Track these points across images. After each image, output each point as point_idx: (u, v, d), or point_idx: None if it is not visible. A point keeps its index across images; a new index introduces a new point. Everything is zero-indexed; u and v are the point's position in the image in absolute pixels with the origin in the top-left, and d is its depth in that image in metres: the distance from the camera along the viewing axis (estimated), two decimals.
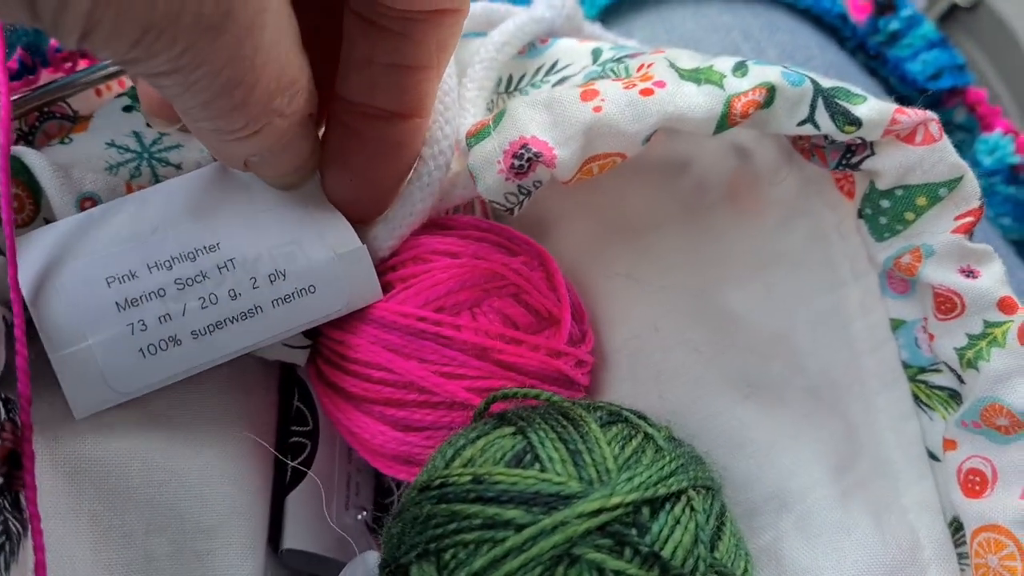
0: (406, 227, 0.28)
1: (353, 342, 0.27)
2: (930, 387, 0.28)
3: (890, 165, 0.27)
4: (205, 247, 0.25)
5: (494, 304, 0.28)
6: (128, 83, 0.32)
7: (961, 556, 0.27)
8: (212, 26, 0.18)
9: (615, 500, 0.22)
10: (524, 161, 0.26)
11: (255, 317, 0.26)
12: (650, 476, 0.23)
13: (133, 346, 0.24)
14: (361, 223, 0.27)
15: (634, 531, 0.22)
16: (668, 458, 0.24)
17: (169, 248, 0.25)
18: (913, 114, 0.26)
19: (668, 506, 0.23)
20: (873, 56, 0.46)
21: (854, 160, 0.27)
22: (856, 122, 0.26)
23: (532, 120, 0.26)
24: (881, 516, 0.28)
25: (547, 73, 0.31)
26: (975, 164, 0.48)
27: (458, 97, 0.29)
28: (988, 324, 0.26)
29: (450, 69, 0.29)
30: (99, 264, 0.24)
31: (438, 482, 0.24)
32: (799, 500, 0.28)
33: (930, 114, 0.26)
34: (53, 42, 0.31)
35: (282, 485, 0.31)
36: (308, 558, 0.31)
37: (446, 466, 0.25)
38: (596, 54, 0.30)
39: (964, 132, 0.48)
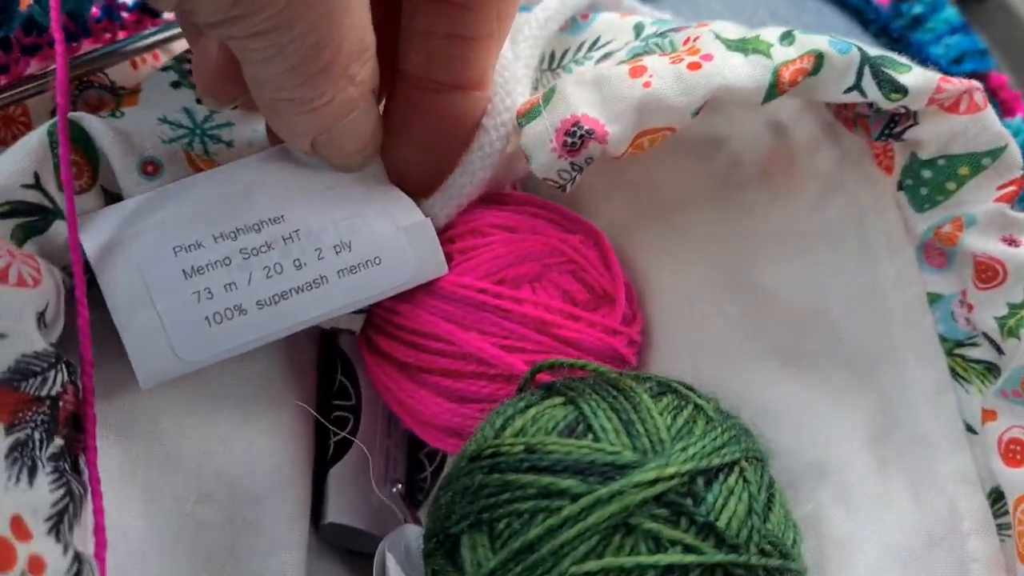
0: (464, 197, 0.28)
1: (410, 312, 0.28)
2: (967, 360, 0.29)
3: (933, 134, 0.27)
4: (270, 219, 0.25)
5: (554, 279, 0.28)
6: (163, 58, 0.32)
7: (1001, 527, 0.27)
8: None
9: (671, 470, 0.23)
10: (577, 138, 0.26)
11: (320, 288, 0.25)
12: (704, 447, 0.24)
13: (199, 314, 0.24)
14: (421, 195, 0.28)
15: (690, 501, 0.23)
16: (720, 429, 0.24)
17: (235, 220, 0.25)
18: (958, 83, 0.26)
19: (722, 477, 0.24)
20: (896, 39, 0.46)
21: (897, 130, 0.28)
22: (902, 89, 0.26)
23: (582, 98, 0.26)
24: (919, 487, 0.28)
25: (590, 49, 0.31)
26: None
27: (508, 75, 0.29)
28: None
29: (507, 43, 0.28)
30: (166, 234, 0.25)
31: (489, 451, 0.24)
32: (837, 471, 0.29)
33: (975, 83, 0.27)
34: (94, 11, 0.30)
35: (323, 460, 0.31)
36: (347, 532, 0.31)
37: (496, 436, 0.25)
38: (638, 29, 0.31)
39: None
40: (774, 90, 0.26)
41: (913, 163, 0.28)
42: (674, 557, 0.22)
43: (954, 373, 0.29)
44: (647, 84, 0.26)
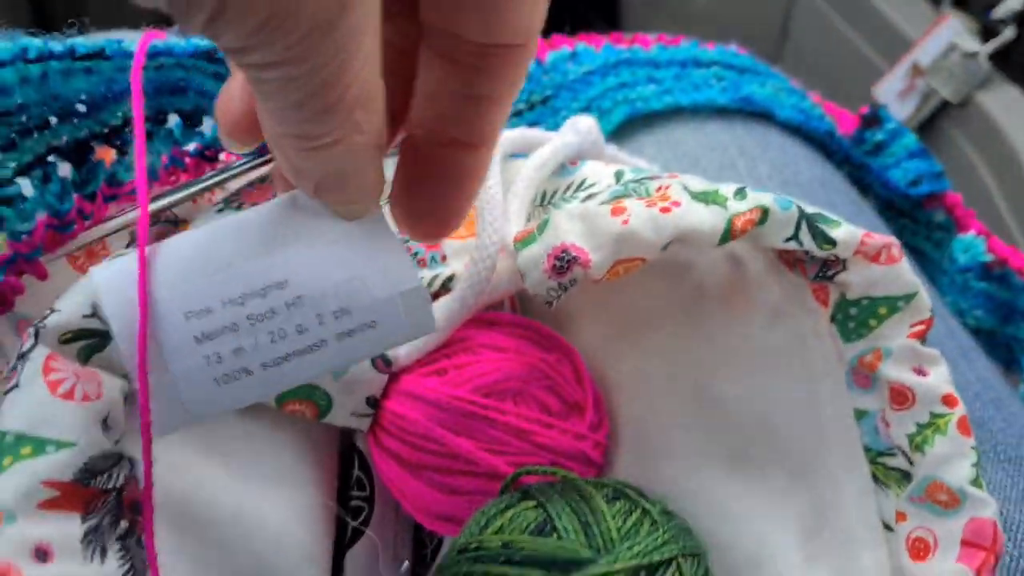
0: (458, 320, 0.34)
1: (412, 417, 0.33)
2: (887, 468, 0.33)
3: (858, 279, 0.32)
4: (275, 283, 0.27)
5: (533, 393, 0.33)
6: (219, 194, 0.38)
7: None
8: (329, 20, 0.20)
9: (619, 566, 0.28)
10: (564, 263, 0.31)
11: (320, 350, 0.27)
12: (647, 545, 0.29)
13: (209, 376, 0.27)
14: (429, 239, 0.30)
15: None
16: (662, 530, 0.30)
17: (241, 284, 0.27)
18: (878, 238, 0.32)
19: (662, 570, 0.28)
20: (857, 166, 0.51)
21: (829, 273, 0.33)
22: (832, 241, 0.31)
23: (571, 230, 0.32)
24: None
25: (576, 190, 0.37)
26: (952, 261, 0.52)
27: (504, 210, 0.35)
28: (933, 415, 0.31)
29: (497, 186, 0.35)
30: (178, 298, 0.26)
31: (474, 546, 0.30)
32: (770, 563, 0.33)
33: (893, 240, 0.32)
34: (164, 158, 0.37)
35: (341, 543, 0.36)
36: None
37: (480, 532, 0.30)
38: (619, 175, 0.36)
39: (943, 231, 0.54)
40: (728, 235, 0.31)
41: (842, 301, 0.33)
42: None
43: (876, 478, 0.33)
44: (625, 222, 0.31)
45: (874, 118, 0.52)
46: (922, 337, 0.32)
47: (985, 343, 0.51)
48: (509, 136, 0.38)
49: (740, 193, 0.32)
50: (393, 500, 0.37)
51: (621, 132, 0.47)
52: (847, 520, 0.33)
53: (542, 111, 0.49)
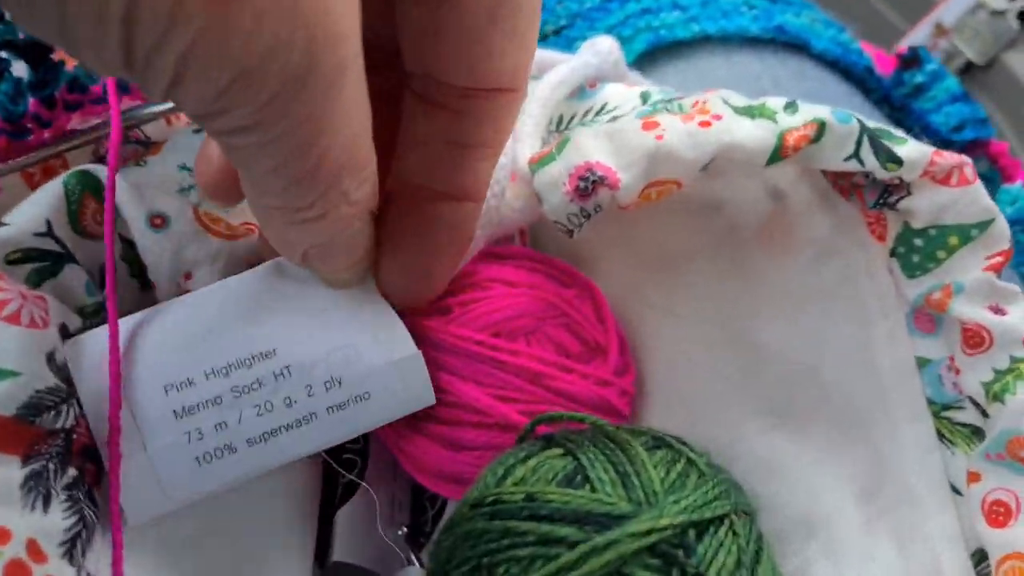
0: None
1: None
2: (953, 423, 0.30)
3: (925, 205, 0.29)
4: (262, 353, 0.25)
5: (548, 332, 0.30)
6: None
7: None
8: (298, 76, 0.18)
9: (664, 521, 0.24)
10: (589, 183, 0.28)
11: (309, 424, 0.26)
12: (695, 499, 0.25)
13: (189, 455, 0.25)
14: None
15: (681, 552, 0.24)
16: (711, 483, 0.26)
17: (226, 353, 0.25)
18: (950, 157, 0.28)
19: (712, 529, 0.25)
20: (898, 108, 0.47)
21: (891, 199, 0.29)
22: (898, 160, 0.28)
23: (596, 147, 0.28)
24: (905, 543, 0.29)
25: (597, 114, 0.33)
26: None
27: (515, 131, 0.31)
28: (1014, 359, 0.28)
29: None
30: (157, 370, 0.25)
31: (491, 499, 0.26)
32: (825, 526, 0.30)
33: (965, 158, 0.28)
34: None
35: (331, 501, 0.32)
36: (352, 571, 0.32)
37: (497, 484, 0.26)
38: (645, 96, 0.33)
39: (986, 182, 0.50)
40: (778, 154, 0.28)
41: (905, 232, 0.30)
42: None
43: (940, 435, 0.30)
44: (659, 137, 0.28)
45: (913, 58, 0.49)
46: (1000, 270, 0.29)
47: None
48: None
49: (791, 107, 0.29)
50: (390, 457, 0.33)
51: (643, 63, 0.43)
52: (909, 481, 0.30)
53: (555, 42, 0.45)
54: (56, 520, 0.23)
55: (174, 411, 0.25)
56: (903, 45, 0.76)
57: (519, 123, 0.32)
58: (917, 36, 0.76)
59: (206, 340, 0.25)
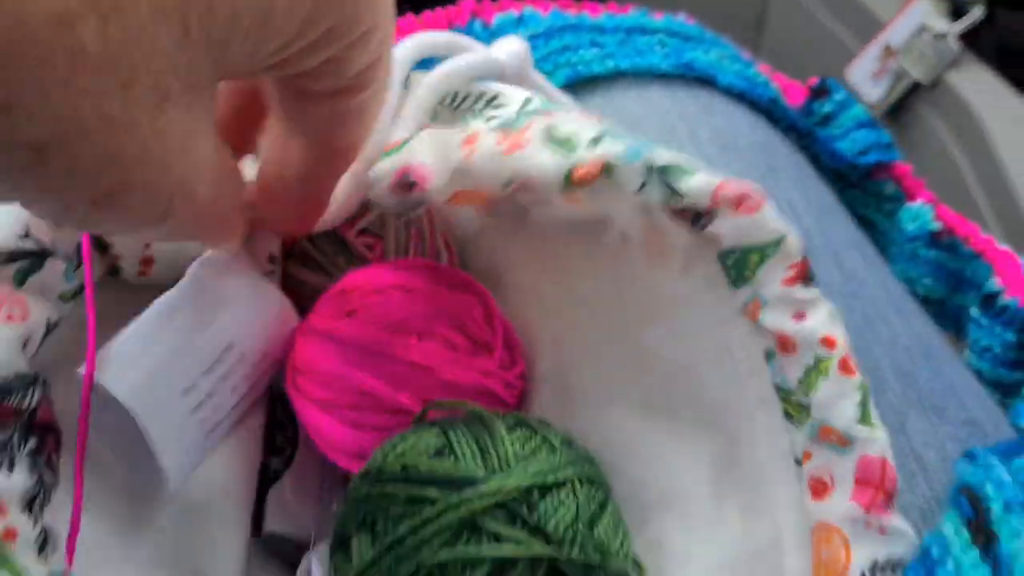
0: (344, 209, 0.36)
1: (320, 357, 0.34)
2: (799, 405, 0.33)
3: (725, 230, 0.32)
4: (226, 347, 0.33)
5: (438, 331, 0.35)
6: None
7: None
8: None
9: (511, 483, 0.29)
10: (407, 183, 0.33)
11: (256, 385, 0.36)
12: (541, 467, 0.30)
13: (202, 432, 0.34)
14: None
15: (525, 508, 0.29)
16: (560, 456, 0.31)
17: (209, 353, 0.33)
18: (735, 186, 0.31)
19: (555, 491, 0.30)
20: (804, 135, 0.52)
21: (701, 223, 0.33)
22: (681, 194, 0.31)
23: (424, 152, 0.33)
24: (750, 514, 0.33)
25: (487, 104, 0.37)
26: (900, 230, 0.54)
27: (395, 113, 0.36)
28: (818, 358, 0.31)
29: (393, 87, 0.36)
30: (174, 377, 0.32)
31: (375, 470, 0.31)
32: (681, 500, 0.34)
33: (751, 186, 0.31)
34: None
35: (265, 480, 0.38)
36: (285, 542, 0.38)
37: (383, 459, 0.31)
38: (526, 103, 0.36)
39: (893, 202, 0.55)
40: (569, 183, 0.31)
41: (719, 251, 0.33)
42: (507, 549, 0.28)
43: (789, 415, 0.33)
44: (468, 156, 0.32)
45: (822, 89, 0.53)
46: (798, 281, 0.32)
47: (935, 313, 0.52)
48: (434, 39, 0.38)
49: (596, 141, 0.32)
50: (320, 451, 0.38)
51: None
52: (759, 457, 0.33)
53: None
54: (18, 481, 0.29)
55: (191, 409, 0.33)
56: (855, 65, 0.81)
57: (404, 104, 0.36)
58: (868, 57, 0.81)
59: (195, 343, 0.32)
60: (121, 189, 0.21)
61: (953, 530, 0.32)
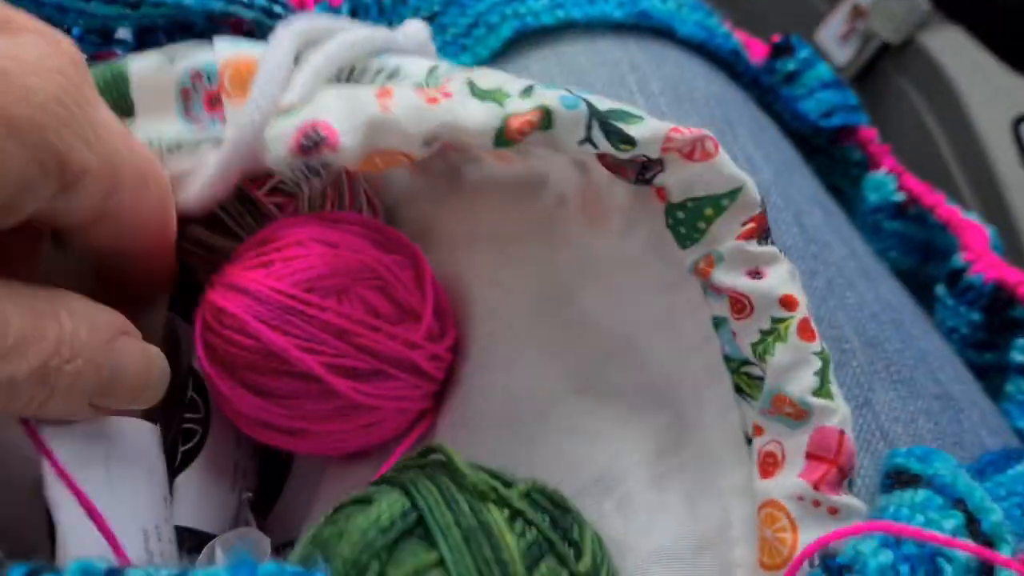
0: (220, 187, 0.33)
1: (231, 310, 0.31)
2: (751, 377, 0.32)
3: (676, 181, 0.30)
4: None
5: (360, 293, 0.32)
6: None
7: None
8: None
9: None
10: (311, 143, 0.29)
11: None
12: None
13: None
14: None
15: None
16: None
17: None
18: (688, 132, 0.30)
19: None
20: (766, 91, 0.50)
21: (648, 176, 0.31)
22: (630, 141, 0.29)
23: (330, 108, 0.30)
24: (696, 498, 0.32)
25: (389, 76, 0.34)
26: (862, 201, 0.52)
27: (287, 77, 0.33)
28: (775, 319, 0.30)
29: (286, 52, 0.33)
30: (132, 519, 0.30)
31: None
32: (620, 483, 0.32)
33: (706, 132, 0.30)
34: None
35: (172, 468, 0.35)
36: (196, 536, 0.35)
37: (363, 555, 0.25)
38: (432, 69, 0.34)
39: (861, 169, 0.53)
40: (503, 136, 0.29)
41: (669, 205, 0.31)
42: None
43: (740, 390, 0.32)
44: (385, 108, 0.29)
45: (786, 46, 0.51)
46: (755, 236, 0.30)
47: (904, 286, 0.50)
48: (313, 23, 0.35)
49: (527, 91, 0.30)
50: (233, 429, 0.36)
51: (509, 50, 0.46)
52: (707, 437, 0.32)
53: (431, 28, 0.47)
54: None
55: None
56: (824, 27, 0.80)
57: (298, 69, 0.33)
58: (837, 18, 0.79)
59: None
60: None
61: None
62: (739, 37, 0.51)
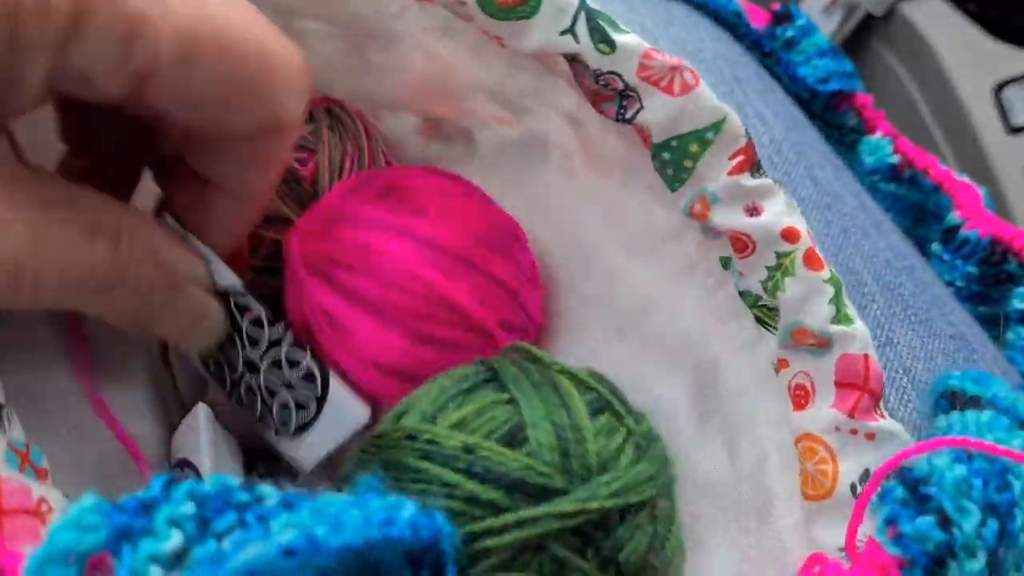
0: None
1: (393, 255, 0.31)
2: (770, 309, 0.32)
3: (657, 117, 0.30)
4: None
5: (513, 252, 0.33)
6: None
7: None
8: None
9: (594, 505, 0.26)
10: None
11: None
12: (626, 483, 0.27)
13: None
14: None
15: (601, 533, 0.26)
16: (643, 463, 0.28)
17: None
18: (665, 58, 0.29)
19: (634, 511, 0.27)
20: (767, 54, 0.53)
21: (628, 115, 0.31)
22: (611, 43, 0.29)
23: None
24: (734, 433, 0.33)
25: None
26: (860, 163, 0.55)
27: None
28: (780, 254, 0.30)
29: None
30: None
31: (426, 436, 0.27)
32: (664, 421, 0.33)
33: (684, 62, 0.30)
34: None
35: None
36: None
37: (434, 417, 0.27)
38: None
39: (855, 134, 0.56)
40: (492, 5, 0.29)
41: (655, 147, 0.31)
42: None
43: (763, 323, 0.32)
44: None
45: (785, 14, 0.54)
46: (747, 169, 0.30)
47: None
48: None
49: None
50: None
51: None
52: (739, 377, 0.33)
53: None
54: None
55: None
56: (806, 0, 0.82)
57: None
58: None
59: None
60: None
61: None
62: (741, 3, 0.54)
